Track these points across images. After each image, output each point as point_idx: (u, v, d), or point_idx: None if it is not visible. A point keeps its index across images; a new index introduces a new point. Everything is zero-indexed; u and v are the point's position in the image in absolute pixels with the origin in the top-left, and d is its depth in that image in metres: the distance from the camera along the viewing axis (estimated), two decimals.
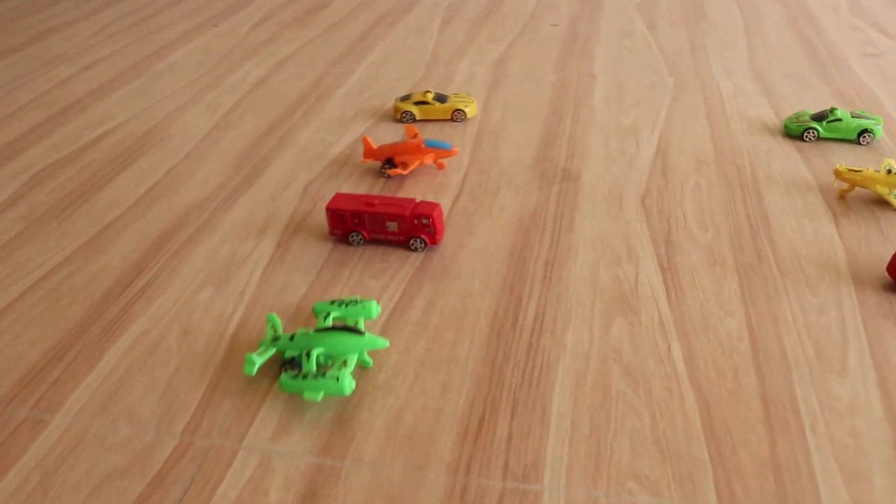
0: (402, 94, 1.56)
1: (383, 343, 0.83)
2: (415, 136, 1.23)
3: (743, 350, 0.87)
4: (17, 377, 0.86)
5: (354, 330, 0.82)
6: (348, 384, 0.78)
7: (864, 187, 1.14)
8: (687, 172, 1.23)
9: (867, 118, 1.32)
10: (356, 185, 1.22)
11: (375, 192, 1.20)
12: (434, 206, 1.03)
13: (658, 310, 0.93)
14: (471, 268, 1.01)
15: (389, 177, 1.22)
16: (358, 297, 0.90)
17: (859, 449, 0.75)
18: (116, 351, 0.89)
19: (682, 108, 1.46)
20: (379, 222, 1.03)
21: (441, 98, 1.42)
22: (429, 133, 1.38)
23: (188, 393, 0.83)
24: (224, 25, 2.10)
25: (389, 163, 1.22)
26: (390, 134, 1.38)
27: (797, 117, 1.36)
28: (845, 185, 1.18)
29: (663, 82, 1.59)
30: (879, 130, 1.31)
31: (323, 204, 1.17)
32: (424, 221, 1.01)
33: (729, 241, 1.06)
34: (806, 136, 1.33)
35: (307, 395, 0.78)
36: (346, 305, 0.87)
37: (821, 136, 1.33)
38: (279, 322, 0.87)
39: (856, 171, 1.14)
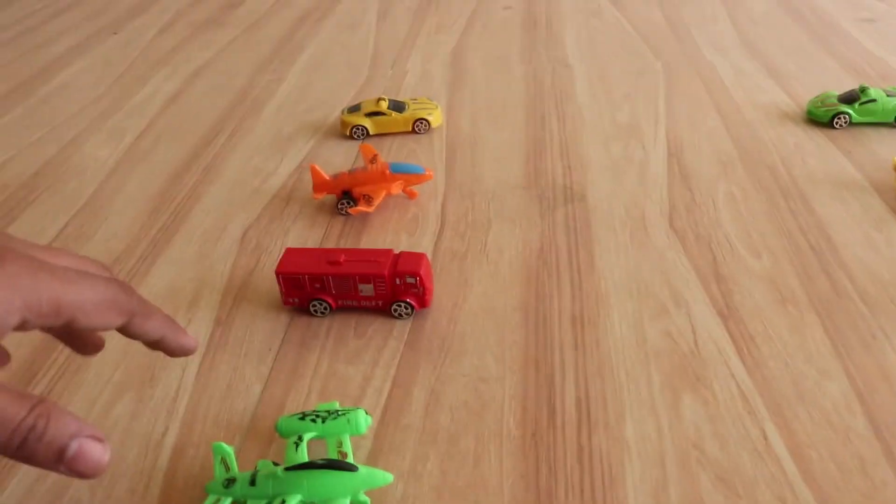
0: (349, 103, 1.29)
1: (385, 478, 0.58)
2: (373, 159, 0.98)
3: (860, 427, 0.65)
4: None
5: (345, 466, 0.57)
6: None
7: None
8: (713, 180, 1.01)
9: None
10: (309, 229, 0.96)
11: (334, 233, 0.94)
12: (420, 257, 0.78)
13: (734, 377, 0.70)
14: (477, 337, 0.76)
15: (347, 215, 0.97)
16: (336, 404, 0.65)
17: None
18: None
19: (681, 98, 1.24)
20: (348, 286, 0.77)
21: (398, 106, 1.17)
22: (388, 150, 1.13)
23: None
24: (125, 32, 1.80)
25: (348, 196, 0.96)
26: (340, 155, 1.13)
27: (822, 100, 1.15)
28: None
29: (651, 67, 1.36)
30: None
31: (268, 256, 0.91)
32: (410, 280, 0.76)
33: (792, 268, 0.84)
34: (836, 123, 1.12)
35: None
36: (324, 420, 0.62)
37: (853, 121, 1.12)
38: (231, 452, 0.61)
39: None
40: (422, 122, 1.16)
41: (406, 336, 0.77)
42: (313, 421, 0.62)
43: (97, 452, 0.41)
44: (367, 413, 0.63)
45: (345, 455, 0.60)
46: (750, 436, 0.64)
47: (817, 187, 0.98)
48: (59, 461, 0.40)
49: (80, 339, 0.53)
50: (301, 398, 0.71)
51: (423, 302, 0.78)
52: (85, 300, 0.44)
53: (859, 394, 0.68)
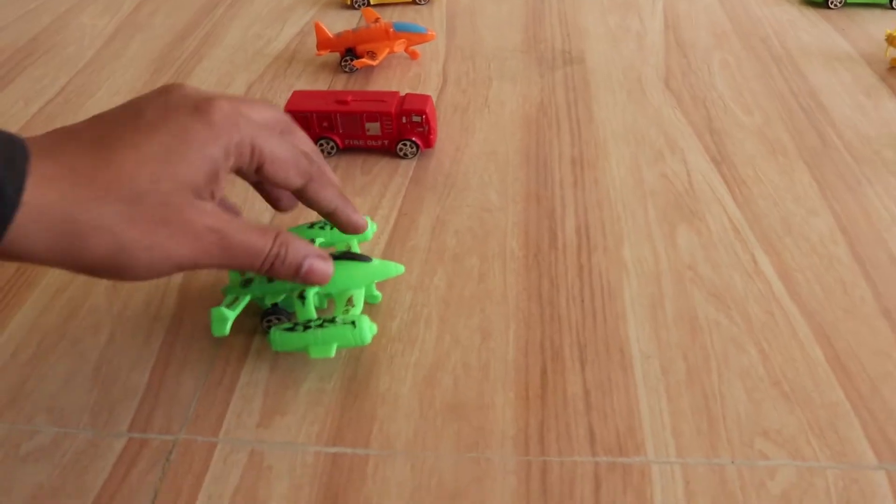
0: None
1: (398, 269, 0.61)
2: (376, 21, 0.99)
3: (842, 256, 0.69)
4: None
5: (359, 257, 0.59)
6: (368, 329, 0.56)
7: None
8: (707, 49, 1.03)
9: None
10: (311, 84, 0.97)
11: (337, 89, 0.95)
12: (425, 99, 0.80)
13: (726, 212, 0.74)
14: (480, 175, 0.79)
15: (354, 69, 0.98)
16: None
17: None
18: (23, 319, 0.65)
19: None
20: (356, 124, 0.79)
21: None
22: (388, 19, 1.13)
23: (130, 372, 0.59)
24: None
25: (351, 54, 0.97)
26: (341, 23, 1.13)
27: None
28: None
29: None
30: None
31: None
32: (416, 119, 0.78)
33: (782, 124, 0.87)
34: (831, 3, 1.14)
35: (315, 352, 0.56)
36: (333, 227, 0.64)
37: (848, 1, 1.14)
38: None
39: None
40: None
41: (411, 173, 0.79)
42: (321, 228, 0.65)
43: (322, 266, 0.54)
44: (372, 220, 0.65)
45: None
46: (741, 260, 0.68)
47: (810, 58, 1.00)
48: (297, 275, 0.53)
49: (272, 195, 0.60)
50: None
51: (427, 142, 0.80)
52: (275, 153, 0.51)
53: (843, 228, 0.72)
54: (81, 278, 0.68)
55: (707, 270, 0.67)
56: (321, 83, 0.97)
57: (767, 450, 0.52)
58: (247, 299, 0.60)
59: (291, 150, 0.53)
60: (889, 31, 0.97)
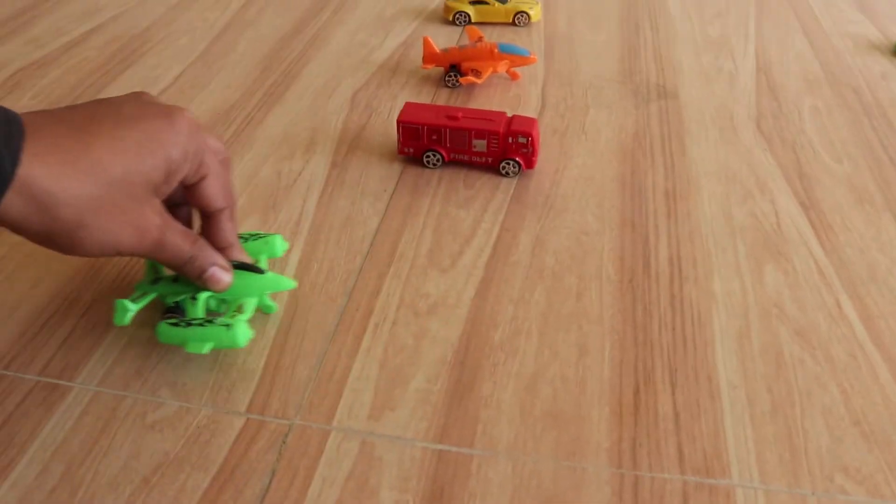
0: None
1: (290, 284, 0.66)
2: (480, 40, 1.03)
3: None
4: (16, 332, 0.67)
5: (252, 268, 0.64)
6: (242, 334, 0.61)
7: None
8: (799, 94, 1.06)
9: None
10: (415, 96, 1.02)
11: (440, 103, 1.00)
12: (532, 121, 0.84)
13: (812, 256, 0.77)
14: (578, 199, 0.83)
15: (458, 86, 1.03)
16: (260, 232, 0.71)
17: None
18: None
19: (771, 21, 1.28)
20: (463, 140, 0.84)
21: None
22: (488, 39, 1.18)
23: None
24: None
25: (455, 70, 1.02)
26: (442, 38, 1.18)
27: None
28: None
29: None
30: None
31: (378, 116, 0.97)
32: (522, 140, 0.83)
33: (870, 174, 0.89)
34: None
35: (190, 347, 0.61)
36: (246, 240, 0.69)
37: None
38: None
39: None
40: (522, 15, 1.21)
41: (512, 191, 0.84)
42: (242, 240, 0.68)
43: (221, 275, 0.61)
44: (283, 239, 0.70)
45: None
46: (826, 303, 0.71)
47: None
48: (199, 278, 0.61)
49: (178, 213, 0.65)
50: (416, 232, 0.78)
51: (530, 163, 0.84)
52: (217, 172, 0.60)
53: None
54: None
55: (793, 309, 0.70)
56: (424, 96, 1.02)
57: (847, 486, 0.56)
58: (152, 296, 0.65)
59: (226, 177, 0.62)
60: None
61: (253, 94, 1.03)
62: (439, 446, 0.57)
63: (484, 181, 0.85)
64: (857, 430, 0.60)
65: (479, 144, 0.84)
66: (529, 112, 0.98)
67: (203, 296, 0.63)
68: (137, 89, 1.04)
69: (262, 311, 0.68)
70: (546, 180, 0.85)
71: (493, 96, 1.02)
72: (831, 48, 1.19)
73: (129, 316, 0.62)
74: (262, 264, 0.68)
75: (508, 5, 1.21)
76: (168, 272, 0.66)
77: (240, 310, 0.63)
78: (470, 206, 0.81)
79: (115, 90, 1.04)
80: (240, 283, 0.64)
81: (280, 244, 0.69)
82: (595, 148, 0.91)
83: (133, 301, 0.63)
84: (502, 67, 1.02)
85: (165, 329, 0.62)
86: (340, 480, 0.55)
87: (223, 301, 0.65)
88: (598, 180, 0.86)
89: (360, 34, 1.19)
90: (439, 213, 0.80)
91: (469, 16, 1.21)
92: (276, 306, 0.68)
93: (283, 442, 0.57)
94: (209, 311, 0.66)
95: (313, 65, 1.11)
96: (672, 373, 0.63)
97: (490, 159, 0.85)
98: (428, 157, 0.86)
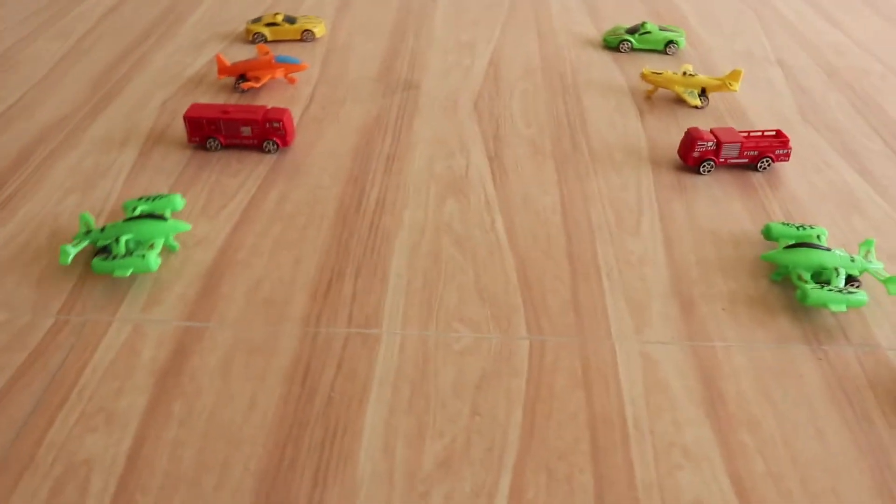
0: (254, 17, 1.62)
1: (185, 226, 0.93)
2: (266, 54, 1.32)
3: (556, 220, 1.02)
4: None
5: (158, 217, 0.92)
6: (153, 261, 0.88)
7: (665, 87, 1.31)
8: (516, 80, 1.37)
9: (672, 31, 1.50)
10: (212, 101, 1.29)
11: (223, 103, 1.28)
12: (283, 110, 1.13)
13: (485, 192, 1.07)
14: (320, 166, 1.12)
15: (243, 90, 1.31)
16: (163, 193, 0.99)
17: (644, 289, 0.92)
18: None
19: (515, 26, 1.60)
20: (234, 128, 1.12)
21: (290, 19, 1.50)
22: (280, 52, 1.47)
23: (61, 281, 0.91)
24: None
25: (243, 78, 1.30)
26: (244, 55, 1.46)
27: (614, 31, 1.52)
28: (651, 87, 1.34)
29: (500, 3, 1.72)
30: (683, 41, 1.49)
31: (180, 118, 1.24)
32: (275, 125, 1.11)
33: (549, 135, 1.21)
34: (621, 48, 1.49)
35: (117, 273, 0.87)
36: (153, 200, 0.97)
37: (634, 47, 1.49)
38: (91, 219, 0.95)
39: (657, 73, 1.31)
40: (308, 32, 1.50)
41: (272, 164, 1.12)
42: (146, 201, 0.97)
43: None
44: (181, 197, 0.98)
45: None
46: (483, 222, 1.01)
47: (590, 89, 1.35)
48: None
49: None
50: (196, 195, 1.05)
51: (285, 141, 1.13)
52: None
53: (563, 204, 1.05)
54: (29, 232, 0.99)
55: (459, 227, 1.00)
56: (219, 100, 1.29)
57: (459, 328, 0.85)
58: (85, 242, 0.92)
59: None
60: (644, 70, 1.32)
61: (83, 107, 1.29)
62: (186, 323, 0.84)
63: (252, 158, 1.13)
64: (477, 297, 0.89)
65: (246, 130, 1.12)
66: (299, 106, 1.27)
67: (123, 238, 0.89)
68: None
69: (168, 250, 0.94)
70: (300, 154, 1.14)
71: (273, 96, 1.30)
72: (554, 44, 1.52)
73: (70, 257, 0.89)
74: (167, 216, 0.95)
75: (297, 25, 1.50)
76: (96, 225, 0.93)
77: (151, 247, 0.90)
78: (238, 176, 1.09)
79: None
80: (148, 227, 0.91)
81: (179, 201, 0.97)
82: (343, 130, 1.20)
83: (73, 246, 0.90)
84: (279, 74, 1.30)
85: (98, 263, 0.87)
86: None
87: (139, 242, 0.91)
88: (339, 152, 1.15)
89: (177, 55, 1.46)
90: (214, 181, 1.08)
91: (265, 35, 1.49)
92: (178, 245, 0.94)
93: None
94: (128, 249, 0.91)
95: (135, 82, 1.37)
96: (357, 270, 0.92)
97: (256, 141, 1.13)
98: (210, 143, 1.13)
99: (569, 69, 1.42)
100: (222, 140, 1.13)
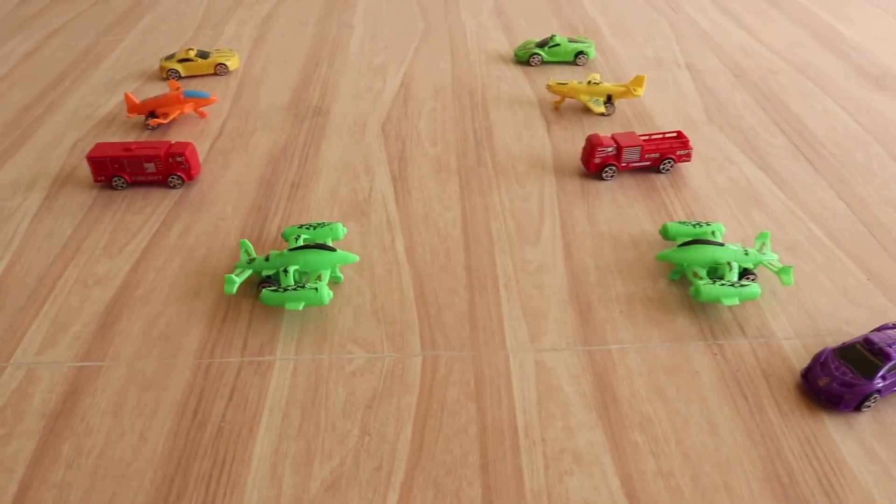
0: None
1: (354, 258, 0.93)
2: (176, 90, 1.33)
3: (456, 235, 1.04)
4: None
5: (327, 247, 0.92)
6: (326, 294, 0.88)
7: (571, 97, 1.34)
8: (425, 100, 1.39)
9: (581, 42, 1.53)
10: (124, 139, 1.30)
11: (126, 141, 1.28)
12: (186, 144, 1.14)
13: (387, 212, 1.08)
14: (224, 197, 1.12)
15: (152, 127, 1.31)
16: (325, 222, 1.00)
17: (541, 297, 0.93)
18: None
19: (429, 48, 1.62)
20: (137, 165, 1.12)
21: (203, 54, 1.51)
22: (194, 87, 1.47)
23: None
24: None
25: (152, 115, 1.31)
26: (157, 92, 1.47)
27: (524, 46, 1.54)
28: (558, 98, 1.37)
29: (415, 27, 1.74)
30: (592, 51, 1.52)
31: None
32: (178, 159, 1.12)
33: (455, 151, 1.23)
34: (532, 61, 1.52)
35: (289, 306, 0.87)
36: (315, 228, 0.97)
37: (545, 60, 1.52)
38: (251, 246, 0.96)
39: (563, 84, 1.33)
40: (221, 66, 1.51)
41: (177, 198, 1.13)
42: (308, 228, 0.97)
43: None
44: (343, 226, 0.98)
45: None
46: (384, 241, 1.02)
47: (499, 103, 1.37)
48: None
49: None
50: (98, 235, 1.05)
51: (189, 175, 1.14)
52: None
53: (465, 218, 1.07)
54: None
55: (357, 248, 1.01)
56: (131, 138, 1.30)
57: (354, 350, 0.86)
58: (249, 271, 0.93)
59: None
60: (549, 82, 1.34)
61: None
62: (80, 364, 0.85)
63: (157, 193, 1.14)
64: (373, 317, 0.90)
65: (150, 167, 1.12)
66: (207, 140, 1.28)
67: (292, 269, 0.90)
68: None
69: (333, 281, 0.94)
70: (205, 187, 1.15)
71: (183, 131, 1.31)
72: (467, 62, 1.54)
73: (236, 286, 0.89)
74: (329, 244, 0.95)
75: (210, 59, 1.51)
76: (257, 254, 0.95)
77: (319, 278, 0.90)
78: (143, 212, 1.10)
79: None
80: (317, 258, 0.91)
81: (341, 230, 0.97)
82: (251, 160, 1.22)
83: (237, 275, 0.90)
84: (189, 108, 1.31)
85: (267, 295, 0.88)
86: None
87: (305, 273, 0.91)
88: (244, 182, 1.16)
89: (90, 96, 1.47)
90: (118, 219, 1.08)
91: (178, 71, 1.50)
92: (343, 277, 0.95)
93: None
94: (295, 280, 0.91)
95: (47, 125, 1.37)
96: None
97: (160, 177, 1.13)
98: (115, 181, 1.14)
99: (479, 86, 1.44)
100: (127, 178, 1.14)
